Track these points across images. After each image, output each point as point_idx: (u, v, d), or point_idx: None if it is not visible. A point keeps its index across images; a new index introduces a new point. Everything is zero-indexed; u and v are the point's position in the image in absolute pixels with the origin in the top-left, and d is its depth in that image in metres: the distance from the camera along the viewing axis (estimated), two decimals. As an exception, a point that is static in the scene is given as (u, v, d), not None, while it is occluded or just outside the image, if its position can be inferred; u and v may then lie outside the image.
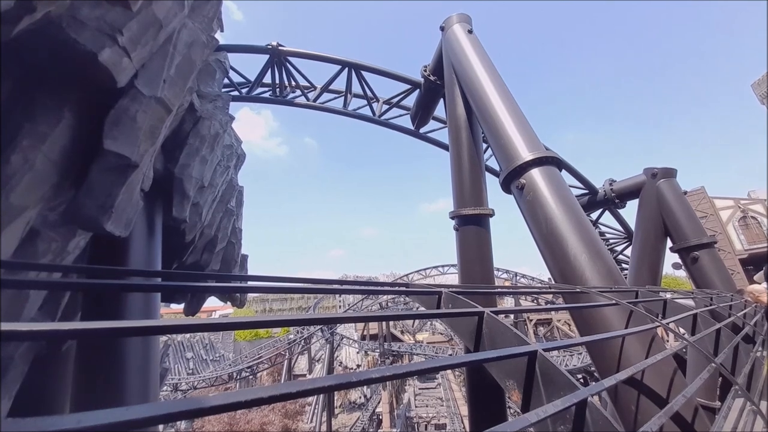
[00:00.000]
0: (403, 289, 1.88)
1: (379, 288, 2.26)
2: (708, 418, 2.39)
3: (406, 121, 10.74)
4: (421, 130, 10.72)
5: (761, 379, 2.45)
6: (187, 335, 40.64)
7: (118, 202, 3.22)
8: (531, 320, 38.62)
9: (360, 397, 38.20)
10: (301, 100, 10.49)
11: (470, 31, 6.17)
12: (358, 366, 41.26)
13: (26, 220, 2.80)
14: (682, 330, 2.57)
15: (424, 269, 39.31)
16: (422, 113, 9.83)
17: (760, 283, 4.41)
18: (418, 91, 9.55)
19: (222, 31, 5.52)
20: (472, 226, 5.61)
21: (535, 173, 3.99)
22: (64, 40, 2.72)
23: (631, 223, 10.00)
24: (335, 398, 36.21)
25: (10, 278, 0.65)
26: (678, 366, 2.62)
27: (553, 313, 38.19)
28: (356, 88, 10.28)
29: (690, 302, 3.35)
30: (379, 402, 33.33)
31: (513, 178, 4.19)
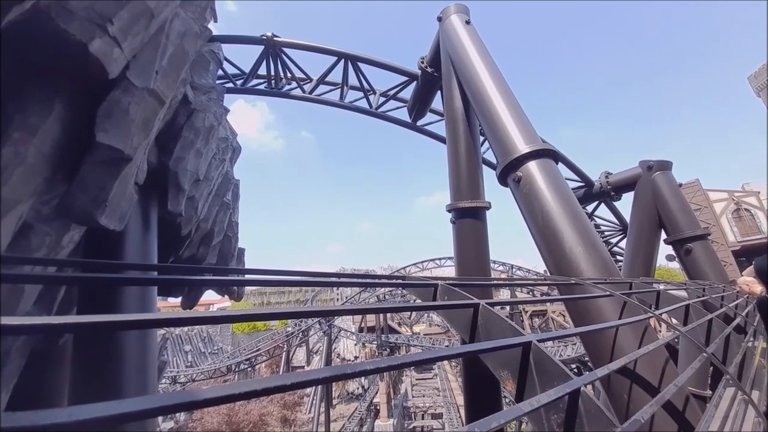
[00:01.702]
0: (400, 281, 1.89)
1: (376, 281, 2.26)
2: (699, 407, 2.44)
3: (404, 114, 10.67)
4: (419, 123, 10.66)
5: (752, 369, 2.50)
6: (185, 328, 40.72)
7: (112, 196, 3.19)
8: (526, 312, 38.98)
9: (358, 388, 38.63)
10: (297, 92, 10.38)
11: (468, 22, 6.10)
12: (356, 357, 41.65)
13: (19, 214, 2.77)
14: (674, 320, 2.60)
15: (422, 262, 39.47)
16: (419, 105, 9.77)
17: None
18: (415, 83, 9.48)
19: (216, 21, 5.42)
20: (468, 219, 5.63)
21: (532, 166, 3.99)
22: (54, 31, 2.66)
23: (626, 216, 10.06)
24: (333, 389, 36.59)
25: (4, 272, 0.65)
26: (670, 356, 2.67)
27: (548, 304, 38.57)
28: (353, 80, 10.18)
29: (683, 293, 3.39)
30: (376, 392, 33.70)
31: (510, 171, 4.19)
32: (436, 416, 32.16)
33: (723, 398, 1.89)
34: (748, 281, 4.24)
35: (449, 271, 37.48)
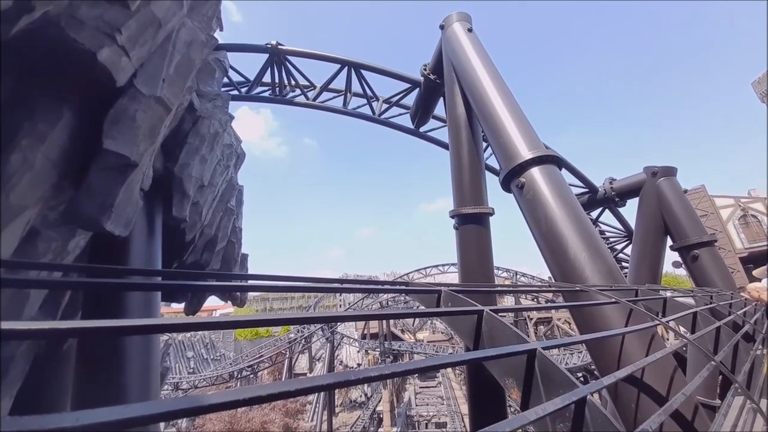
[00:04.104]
0: (403, 287, 1.89)
1: (379, 287, 2.26)
2: (708, 416, 2.39)
3: (406, 120, 10.73)
4: (421, 129, 10.71)
5: (761, 378, 2.46)
6: (188, 334, 40.70)
7: (118, 202, 3.22)
8: (531, 319, 38.63)
9: (361, 396, 38.27)
10: (301, 99, 10.48)
11: (470, 30, 6.16)
12: (359, 365, 41.32)
13: (26, 219, 2.80)
14: (682, 328, 2.57)
15: (425, 268, 39.33)
16: (422, 112, 9.82)
17: (759, 279, 4.40)
18: (417, 90, 9.54)
19: (221, 30, 5.51)
20: (472, 225, 5.61)
21: (535, 172, 3.98)
22: (63, 40, 2.71)
23: (632, 222, 10.00)
24: (336, 397, 36.28)
25: (10, 277, 0.65)
26: (678, 364, 2.63)
27: (553, 311, 38.22)
28: (356, 87, 10.27)
29: (690, 301, 3.34)
30: (379, 401, 33.39)
31: (513, 177, 4.19)
32: (440, 425, 31.75)
33: (732, 407, 1.86)
34: (757, 288, 4.19)
35: (453, 277, 37.29)
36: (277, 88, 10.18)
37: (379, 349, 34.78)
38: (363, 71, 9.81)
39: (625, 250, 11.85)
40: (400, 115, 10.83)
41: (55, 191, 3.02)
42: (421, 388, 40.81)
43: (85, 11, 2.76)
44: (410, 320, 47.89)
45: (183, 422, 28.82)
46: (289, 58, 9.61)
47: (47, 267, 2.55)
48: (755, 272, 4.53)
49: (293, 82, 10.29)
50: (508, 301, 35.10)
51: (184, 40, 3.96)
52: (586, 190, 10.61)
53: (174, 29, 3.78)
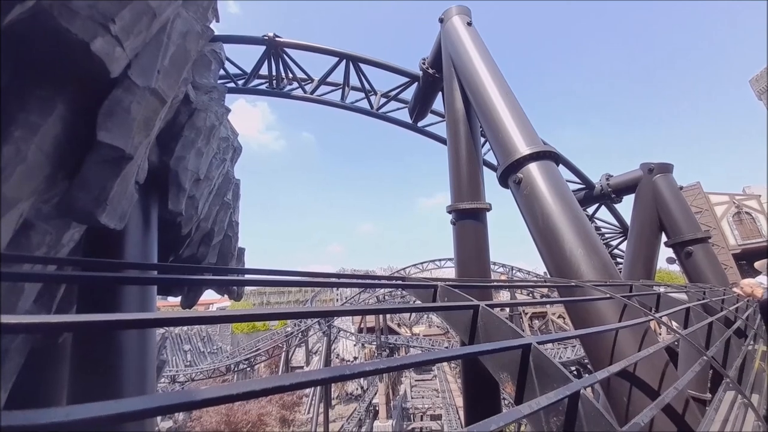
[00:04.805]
0: (400, 282, 1.88)
1: (376, 282, 2.26)
2: (699, 411, 2.43)
3: (404, 115, 10.68)
4: (419, 124, 10.67)
5: (752, 373, 2.49)
6: (185, 328, 40.73)
7: (113, 195, 3.20)
8: (526, 314, 38.95)
9: (357, 389, 38.59)
10: (298, 92, 10.39)
11: (469, 24, 6.11)
12: (355, 358, 41.60)
13: (19, 212, 2.77)
14: (674, 323, 2.60)
15: (422, 263, 39.43)
16: (420, 107, 9.78)
17: (760, 272, 4.44)
18: (416, 84, 9.49)
19: (218, 21, 5.42)
20: (469, 220, 5.62)
21: (533, 168, 3.99)
22: (56, 30, 2.66)
23: (627, 218, 10.06)
24: (332, 389, 36.55)
25: (4, 270, 0.65)
26: (670, 359, 2.66)
27: (548, 306, 38.52)
28: (354, 80, 10.20)
29: (683, 296, 3.38)
30: (375, 393, 33.67)
31: (510, 173, 4.19)
32: (435, 417, 32.10)
33: (723, 402, 1.89)
34: (752, 283, 4.23)
35: (449, 272, 37.46)
36: (275, 81, 10.09)
37: (375, 343, 35.02)
38: (361, 65, 9.74)
39: (620, 246, 11.94)
40: (399, 109, 10.78)
41: (49, 184, 2.99)
42: (416, 381, 41.19)
43: (78, 1, 2.71)
44: (406, 314, 48.16)
45: (180, 415, 28.99)
46: (287, 50, 9.51)
47: (42, 260, 2.52)
48: (756, 264, 4.58)
49: (291, 75, 10.20)
50: (504, 297, 35.33)
51: (179, 30, 3.90)
52: (583, 186, 10.64)
53: (169, 20, 3.72)
